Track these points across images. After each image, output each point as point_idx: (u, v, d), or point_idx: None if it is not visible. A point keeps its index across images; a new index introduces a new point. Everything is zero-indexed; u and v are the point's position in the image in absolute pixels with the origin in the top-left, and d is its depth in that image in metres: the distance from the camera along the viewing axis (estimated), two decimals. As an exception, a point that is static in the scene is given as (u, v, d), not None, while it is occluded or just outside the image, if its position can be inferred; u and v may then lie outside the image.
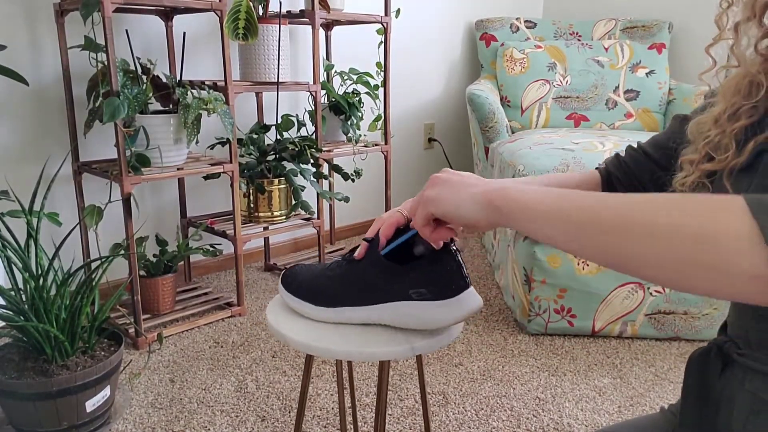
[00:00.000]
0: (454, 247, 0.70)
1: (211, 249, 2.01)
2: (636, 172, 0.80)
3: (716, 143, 0.63)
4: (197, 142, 1.82)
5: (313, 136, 2.22)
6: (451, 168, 3.31)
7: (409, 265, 0.71)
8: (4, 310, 1.32)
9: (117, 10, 1.89)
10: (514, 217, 0.55)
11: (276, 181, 2.11)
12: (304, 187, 2.19)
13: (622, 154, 0.82)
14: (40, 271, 1.35)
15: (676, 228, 0.43)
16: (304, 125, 2.31)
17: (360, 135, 2.45)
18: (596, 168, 0.84)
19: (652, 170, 0.78)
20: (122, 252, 1.61)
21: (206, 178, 2.08)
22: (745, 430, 0.57)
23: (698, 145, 0.66)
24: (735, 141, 0.61)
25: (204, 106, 1.75)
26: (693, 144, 0.68)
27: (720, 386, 0.61)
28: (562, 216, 0.51)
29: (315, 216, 2.23)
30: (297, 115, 2.41)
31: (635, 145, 0.82)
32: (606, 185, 0.80)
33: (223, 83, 1.87)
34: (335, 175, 2.57)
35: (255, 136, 2.18)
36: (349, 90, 2.44)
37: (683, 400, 0.65)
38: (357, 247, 0.75)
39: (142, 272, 1.91)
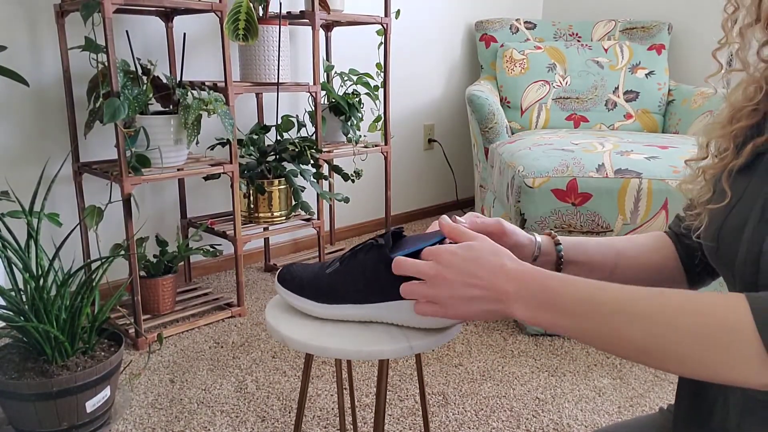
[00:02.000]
0: None
1: (211, 249, 2.01)
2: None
3: (717, 144, 0.64)
4: (197, 143, 1.82)
5: (313, 137, 2.22)
6: (450, 166, 3.27)
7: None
8: (5, 311, 1.32)
9: (117, 11, 1.90)
10: (536, 324, 0.58)
11: (276, 181, 2.11)
12: (304, 188, 2.19)
13: (681, 214, 0.80)
14: (40, 272, 1.35)
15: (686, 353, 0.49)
16: (304, 126, 2.32)
17: (360, 136, 2.45)
18: (665, 231, 0.81)
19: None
20: (122, 252, 1.62)
21: (206, 178, 2.08)
22: (739, 429, 0.57)
23: (702, 147, 0.67)
24: (734, 142, 0.62)
25: (204, 107, 1.75)
26: (699, 149, 0.68)
27: (715, 386, 0.61)
28: (580, 326, 0.54)
29: (315, 216, 2.23)
30: (297, 115, 2.41)
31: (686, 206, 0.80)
32: (679, 244, 0.77)
33: (223, 84, 1.88)
34: (335, 175, 2.57)
35: (255, 136, 2.18)
36: (349, 91, 2.44)
37: (677, 399, 0.65)
38: (356, 247, 0.75)
39: (143, 273, 1.91)
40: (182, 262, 2.17)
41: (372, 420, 1.49)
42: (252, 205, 2.13)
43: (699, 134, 0.69)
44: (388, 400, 1.56)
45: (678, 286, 0.74)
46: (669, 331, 0.49)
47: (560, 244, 0.74)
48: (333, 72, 2.47)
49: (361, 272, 0.72)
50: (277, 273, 0.80)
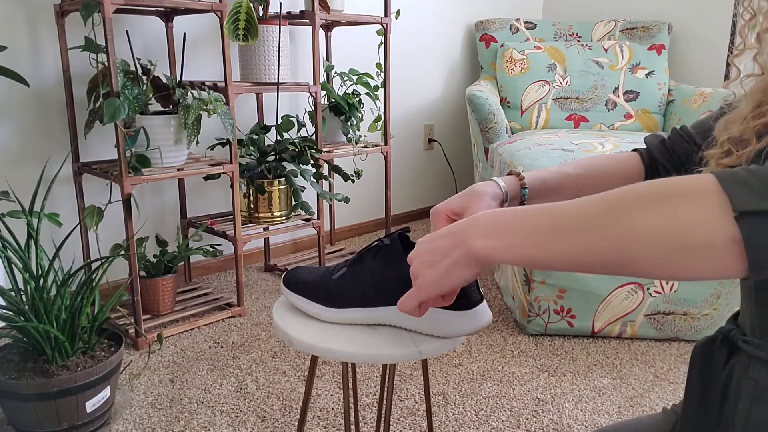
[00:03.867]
0: None
1: (211, 249, 2.01)
2: (682, 157, 0.79)
3: (737, 138, 0.64)
4: (197, 143, 1.82)
5: (313, 137, 2.22)
6: (450, 166, 3.28)
7: None
8: (4, 311, 1.32)
9: (117, 11, 1.90)
10: (498, 259, 0.55)
11: (276, 181, 2.11)
12: (304, 188, 2.19)
13: (666, 138, 0.81)
14: (40, 272, 1.35)
15: (656, 221, 0.44)
16: (304, 126, 2.32)
17: (360, 136, 2.45)
18: (635, 150, 0.81)
19: (696, 152, 0.77)
20: (122, 252, 1.62)
21: (206, 178, 2.08)
22: (749, 417, 0.58)
23: (722, 140, 0.67)
24: (756, 136, 0.62)
25: (204, 107, 1.75)
26: (719, 141, 0.68)
27: (726, 374, 0.61)
28: (546, 234, 0.51)
29: (315, 217, 2.23)
30: (297, 115, 2.41)
31: (680, 129, 0.81)
32: (648, 170, 0.78)
33: (223, 84, 1.88)
34: (335, 175, 2.57)
35: (255, 136, 2.18)
36: (349, 91, 2.44)
37: (687, 387, 0.65)
38: (363, 250, 0.75)
39: (143, 273, 1.91)
40: (182, 262, 2.17)
41: (372, 420, 1.49)
42: (252, 205, 2.13)
43: (719, 127, 0.69)
44: (388, 400, 1.56)
45: None
46: (634, 200, 0.46)
47: (525, 187, 0.77)
48: (333, 72, 2.47)
49: (370, 276, 0.72)
50: (283, 276, 0.80)
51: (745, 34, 0.63)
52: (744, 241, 0.42)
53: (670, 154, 0.79)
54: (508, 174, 0.79)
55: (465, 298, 0.70)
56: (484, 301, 0.73)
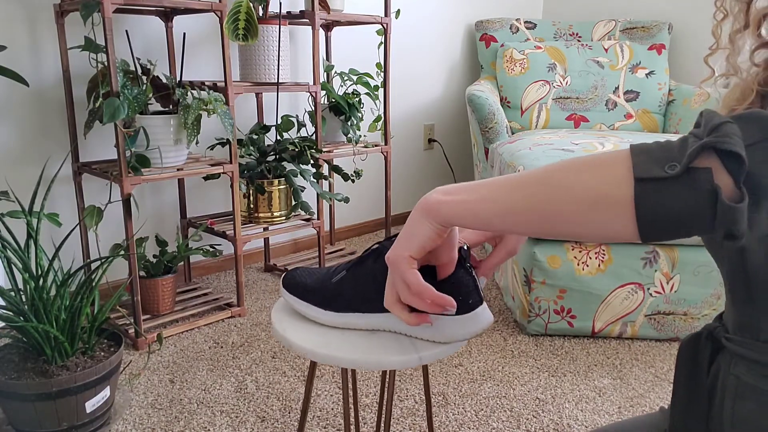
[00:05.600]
0: (469, 264, 0.70)
1: (211, 249, 2.01)
2: None
3: None
4: (197, 143, 1.82)
5: (313, 137, 2.22)
6: (450, 166, 3.29)
7: (427, 278, 0.70)
8: (4, 311, 1.32)
9: (117, 11, 1.90)
10: (451, 214, 0.59)
11: (276, 181, 2.11)
12: (304, 188, 2.19)
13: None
14: (40, 272, 1.35)
15: (581, 179, 0.51)
16: (304, 126, 2.32)
17: (360, 136, 2.45)
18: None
19: None
20: (122, 252, 1.61)
21: (206, 178, 2.08)
22: (734, 413, 0.59)
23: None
24: None
25: (204, 107, 1.75)
26: None
27: (713, 371, 0.62)
28: (494, 188, 0.57)
29: (315, 217, 2.23)
30: (297, 115, 2.41)
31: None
32: None
33: (223, 84, 1.87)
34: (335, 175, 2.57)
35: (255, 136, 2.18)
36: (349, 91, 2.44)
37: (674, 385, 0.66)
38: (364, 253, 0.74)
39: (142, 273, 1.91)
40: (182, 262, 2.17)
41: (372, 420, 1.49)
42: (252, 205, 2.13)
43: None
44: (388, 401, 1.56)
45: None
46: (570, 164, 0.53)
47: None
48: (333, 72, 2.47)
49: (371, 280, 0.71)
50: (282, 277, 0.79)
51: (719, 34, 0.64)
52: (635, 202, 0.47)
53: None
54: None
55: (465, 300, 0.70)
56: (484, 303, 0.73)
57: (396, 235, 0.74)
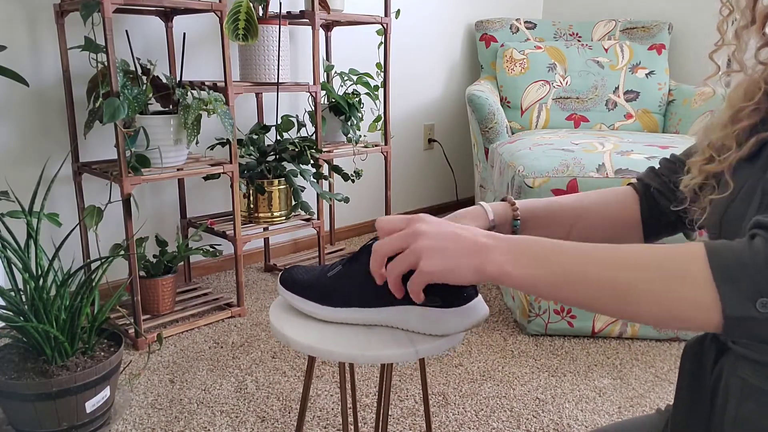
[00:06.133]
0: None
1: (211, 249, 2.01)
2: (673, 180, 0.79)
3: (719, 145, 0.65)
4: (197, 143, 1.82)
5: (313, 137, 2.22)
6: (450, 166, 3.27)
7: None
8: (4, 311, 1.32)
9: (117, 11, 1.90)
10: (510, 285, 0.58)
11: (276, 181, 2.11)
12: (304, 188, 2.19)
13: (657, 167, 0.82)
14: (40, 272, 1.35)
15: (658, 311, 0.51)
16: (304, 126, 2.32)
17: (360, 136, 2.45)
18: (629, 184, 0.82)
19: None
20: (122, 252, 1.61)
21: (206, 178, 2.08)
22: (738, 415, 0.58)
23: (703, 147, 0.68)
24: (737, 141, 0.62)
25: (204, 107, 1.75)
26: (699, 148, 0.69)
27: (716, 373, 0.62)
28: (554, 284, 0.55)
29: (315, 217, 2.23)
30: (297, 115, 2.41)
31: (669, 157, 0.82)
32: (645, 198, 0.79)
33: (223, 84, 1.87)
34: (335, 175, 2.57)
35: (255, 136, 2.18)
36: (349, 91, 2.44)
37: (678, 386, 0.66)
38: (361, 248, 0.74)
39: (142, 273, 1.91)
40: (182, 262, 2.17)
41: (372, 420, 1.49)
42: (252, 205, 2.13)
43: (699, 134, 0.70)
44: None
45: (634, 239, 0.79)
46: (636, 270, 0.52)
47: (518, 219, 0.77)
48: (333, 72, 2.47)
49: (366, 275, 0.71)
50: (279, 276, 0.80)
51: (724, 30, 0.64)
52: (724, 331, 0.49)
53: (660, 178, 0.80)
54: (502, 200, 0.79)
55: (459, 293, 0.70)
56: (480, 296, 0.73)
57: None
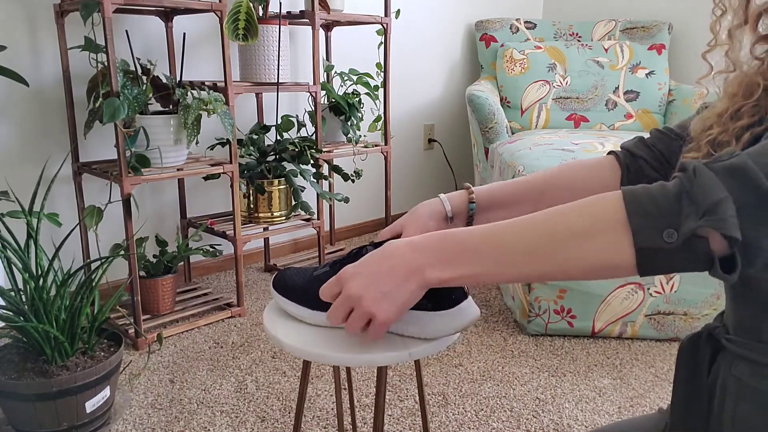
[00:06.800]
0: None
1: (211, 249, 2.01)
2: (665, 152, 0.79)
3: (718, 141, 0.65)
4: (197, 143, 1.82)
5: (313, 137, 2.22)
6: (450, 166, 3.27)
7: None
8: (4, 311, 1.32)
9: (117, 11, 1.90)
10: (444, 282, 0.61)
11: (276, 181, 2.11)
12: (304, 188, 2.19)
13: (646, 136, 0.82)
14: (40, 272, 1.35)
15: (585, 254, 0.54)
16: (304, 126, 2.32)
17: (360, 136, 2.45)
18: (611, 152, 0.81)
19: (681, 148, 0.77)
20: (122, 252, 1.61)
21: (206, 178, 2.08)
22: (735, 414, 0.58)
23: (701, 141, 0.67)
24: (736, 139, 0.62)
25: (204, 107, 1.75)
26: (695, 141, 0.69)
27: (713, 371, 0.62)
28: (493, 273, 0.58)
29: (315, 217, 2.23)
30: (297, 115, 2.41)
31: (661, 128, 0.81)
32: (628, 170, 0.78)
33: (223, 84, 1.87)
34: (335, 175, 2.57)
35: (255, 136, 2.18)
36: (349, 91, 2.44)
37: (674, 384, 0.66)
38: (351, 252, 0.74)
39: (142, 273, 1.91)
40: (182, 262, 2.17)
41: (371, 420, 1.49)
42: (252, 205, 2.13)
43: (695, 123, 0.69)
44: (387, 401, 1.56)
45: None
46: (561, 224, 0.55)
47: (473, 202, 0.78)
48: (333, 72, 2.47)
49: None
50: (273, 278, 0.80)
51: (717, 30, 0.64)
52: (637, 267, 0.52)
53: (650, 150, 0.79)
54: (462, 188, 0.80)
55: (448, 295, 0.70)
56: (469, 297, 0.73)
57: (384, 241, 0.72)
